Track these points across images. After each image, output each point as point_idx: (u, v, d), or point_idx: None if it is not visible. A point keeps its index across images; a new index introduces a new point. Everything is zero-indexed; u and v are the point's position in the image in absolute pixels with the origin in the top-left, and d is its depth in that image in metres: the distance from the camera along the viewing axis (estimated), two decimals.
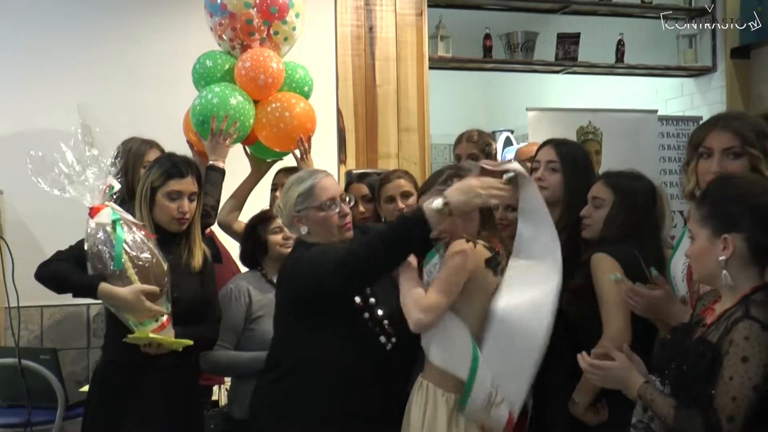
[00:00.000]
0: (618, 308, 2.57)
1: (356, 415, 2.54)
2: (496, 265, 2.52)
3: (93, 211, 2.82)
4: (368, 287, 2.58)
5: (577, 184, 2.92)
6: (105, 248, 2.79)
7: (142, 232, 2.88)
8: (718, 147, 2.42)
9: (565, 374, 2.67)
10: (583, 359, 2.23)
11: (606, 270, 2.60)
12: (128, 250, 2.80)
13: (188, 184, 2.97)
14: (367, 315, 2.57)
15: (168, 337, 2.83)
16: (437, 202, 2.35)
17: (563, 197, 2.96)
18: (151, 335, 2.79)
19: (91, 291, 2.81)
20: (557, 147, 3.03)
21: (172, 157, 3.05)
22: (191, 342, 2.88)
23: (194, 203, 3.00)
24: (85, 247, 2.83)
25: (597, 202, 2.78)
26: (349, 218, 2.68)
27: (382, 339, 2.56)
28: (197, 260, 3.02)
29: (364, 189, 3.60)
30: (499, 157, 4.26)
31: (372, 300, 2.60)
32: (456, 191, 2.38)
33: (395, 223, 2.51)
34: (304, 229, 2.65)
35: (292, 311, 2.62)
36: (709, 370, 1.92)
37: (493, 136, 4.55)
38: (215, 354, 3.12)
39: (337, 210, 2.64)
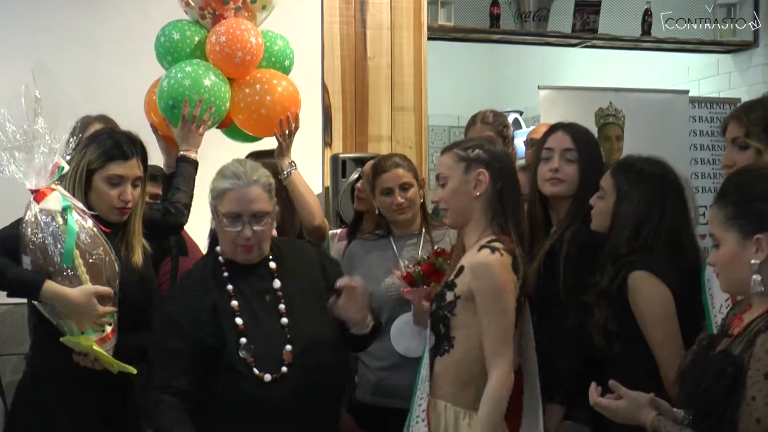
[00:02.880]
0: (673, 346, 2.60)
1: None
2: (517, 267, 2.60)
3: (39, 195, 2.73)
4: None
5: (592, 176, 2.91)
6: (52, 240, 2.69)
7: (93, 223, 2.81)
8: (728, 137, 2.67)
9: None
10: (592, 395, 2.27)
11: (647, 293, 2.63)
12: (80, 244, 2.72)
13: (132, 167, 2.92)
14: (244, 340, 2.64)
15: (109, 355, 2.77)
16: None
17: (578, 190, 2.96)
18: (96, 348, 2.73)
19: (32, 290, 2.71)
20: (573, 133, 3.01)
21: (113, 134, 2.98)
22: (134, 370, 2.82)
23: (138, 189, 2.96)
24: (26, 237, 2.72)
25: (600, 192, 2.81)
26: (250, 241, 2.68)
27: (256, 370, 2.61)
28: (137, 256, 2.97)
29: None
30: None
31: (284, 320, 2.70)
32: None
33: None
34: (213, 223, 2.74)
35: None
36: (729, 389, 1.93)
37: None
38: None
39: (237, 229, 2.67)
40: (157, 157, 3.57)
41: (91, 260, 2.74)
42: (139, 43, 3.89)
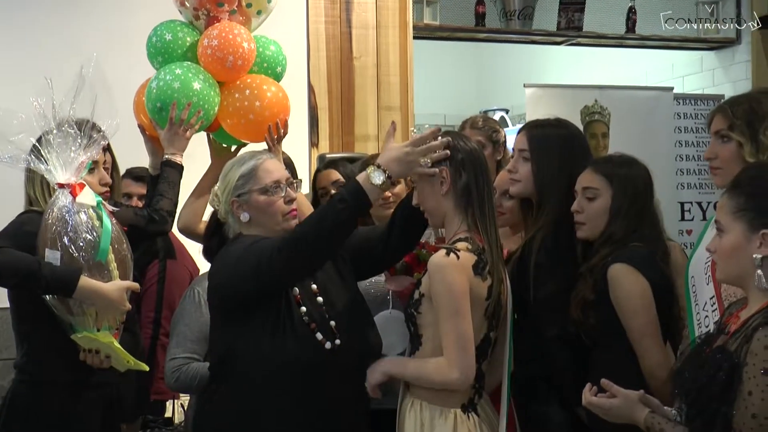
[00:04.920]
0: (651, 336, 2.62)
1: (288, 420, 2.58)
2: (483, 267, 2.55)
3: (74, 190, 2.72)
4: (308, 277, 2.64)
5: (548, 173, 2.87)
6: (88, 235, 2.69)
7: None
8: (712, 129, 2.65)
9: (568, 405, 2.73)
10: (586, 395, 2.28)
11: (628, 285, 2.63)
12: (112, 239, 2.74)
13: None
14: (304, 309, 2.60)
15: (126, 353, 2.77)
16: (378, 177, 2.50)
17: (536, 191, 2.91)
18: (115, 344, 2.73)
19: (68, 286, 2.66)
20: (530, 131, 2.97)
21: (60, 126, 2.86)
22: (146, 367, 2.84)
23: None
24: (53, 231, 2.69)
25: (590, 192, 2.75)
26: (295, 204, 2.73)
27: (319, 336, 2.58)
28: None
29: (334, 174, 3.59)
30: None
31: (319, 299, 2.65)
32: (393, 161, 2.52)
33: (332, 203, 2.54)
34: (245, 216, 2.69)
35: (222, 311, 2.67)
36: (725, 385, 1.93)
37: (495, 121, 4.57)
38: (191, 368, 3.04)
39: (283, 195, 2.69)
40: (143, 158, 3.56)
41: (119, 256, 2.77)
42: (129, 42, 3.86)
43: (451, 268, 2.50)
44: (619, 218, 2.71)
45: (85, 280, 2.68)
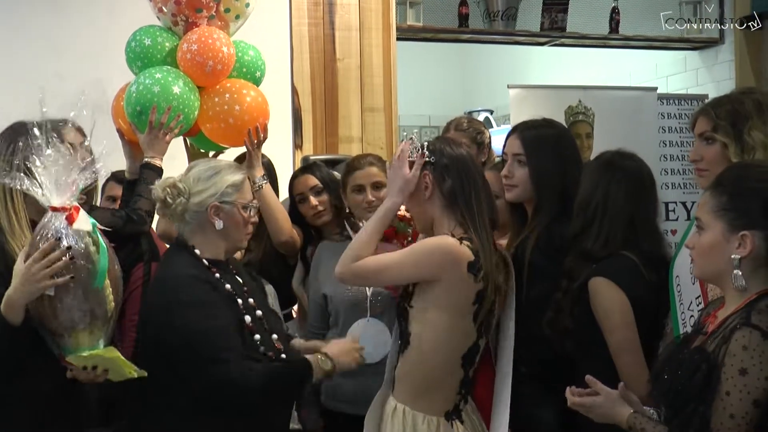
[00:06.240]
0: (629, 352, 2.62)
1: None
2: (479, 269, 2.53)
3: (71, 216, 2.52)
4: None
5: (544, 176, 2.88)
6: (84, 262, 2.51)
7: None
8: (696, 131, 2.66)
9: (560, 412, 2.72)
10: (569, 396, 2.29)
11: (607, 300, 2.63)
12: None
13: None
14: (258, 337, 2.60)
15: (129, 363, 2.63)
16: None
17: (535, 195, 2.91)
18: (122, 358, 2.58)
19: (14, 335, 2.51)
20: (522, 134, 2.96)
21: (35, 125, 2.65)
22: (145, 374, 2.68)
23: None
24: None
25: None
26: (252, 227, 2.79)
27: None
28: None
29: (312, 180, 3.57)
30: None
31: (258, 312, 2.67)
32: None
33: None
34: (219, 224, 2.64)
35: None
36: (704, 385, 1.94)
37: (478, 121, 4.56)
38: None
39: (252, 214, 2.74)
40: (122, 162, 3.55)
41: (112, 277, 2.62)
42: (105, 46, 3.87)
43: (449, 244, 2.52)
44: (578, 224, 2.73)
45: (7, 314, 2.50)
